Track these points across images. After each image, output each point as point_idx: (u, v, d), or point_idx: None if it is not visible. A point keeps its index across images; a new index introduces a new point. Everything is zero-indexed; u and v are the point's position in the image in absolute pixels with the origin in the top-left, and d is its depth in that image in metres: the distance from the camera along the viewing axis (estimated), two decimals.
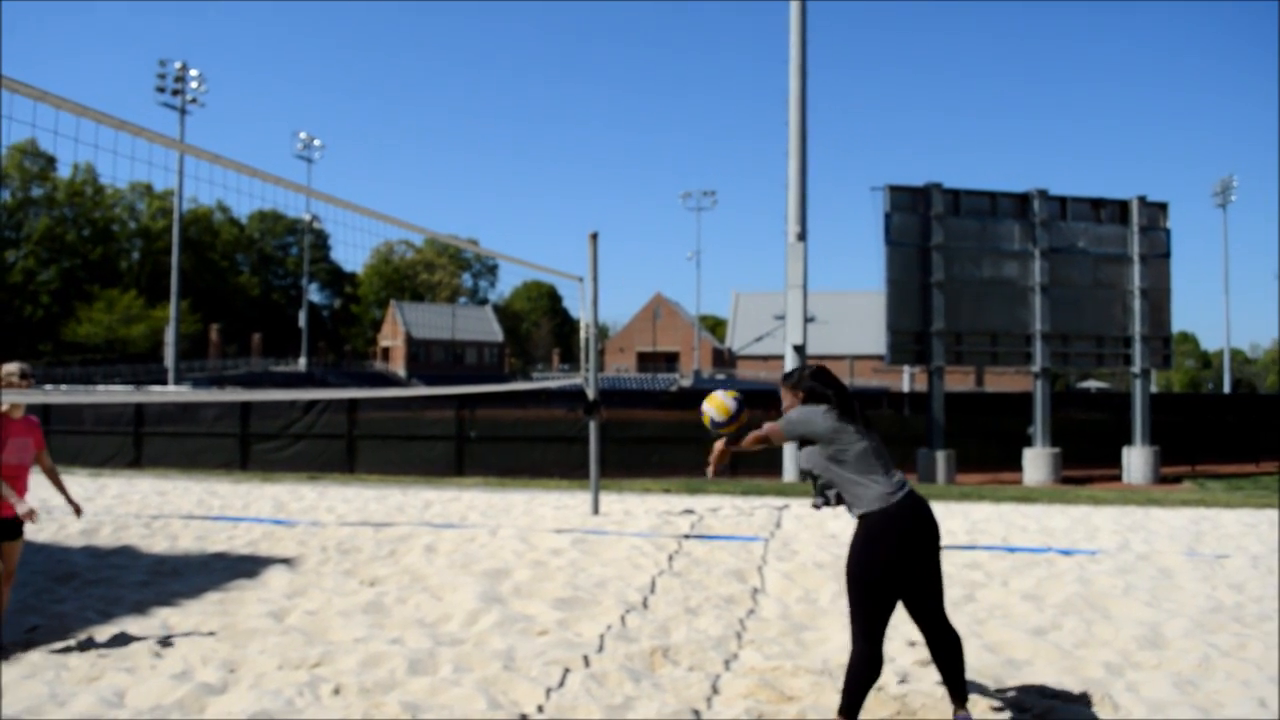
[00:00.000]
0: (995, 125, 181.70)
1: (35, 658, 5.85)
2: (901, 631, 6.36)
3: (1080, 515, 12.48)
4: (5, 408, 5.88)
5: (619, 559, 8.96)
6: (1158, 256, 21.27)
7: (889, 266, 20.13)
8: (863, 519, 4.41)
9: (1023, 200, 20.85)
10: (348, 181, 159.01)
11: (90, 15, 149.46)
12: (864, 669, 4.32)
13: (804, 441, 4.57)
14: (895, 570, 4.34)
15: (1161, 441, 21.34)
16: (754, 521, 11.55)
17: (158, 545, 10.07)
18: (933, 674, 5.46)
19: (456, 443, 20.11)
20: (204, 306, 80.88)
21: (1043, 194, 20.66)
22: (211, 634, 6.41)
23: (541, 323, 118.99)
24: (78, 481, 16.63)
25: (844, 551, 9.00)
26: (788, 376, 4.80)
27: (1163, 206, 21.57)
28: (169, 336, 45.42)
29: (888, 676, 5.34)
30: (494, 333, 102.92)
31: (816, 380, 4.65)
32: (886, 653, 5.76)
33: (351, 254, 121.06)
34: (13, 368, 5.91)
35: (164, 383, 44.78)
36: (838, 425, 4.46)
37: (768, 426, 4.66)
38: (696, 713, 4.87)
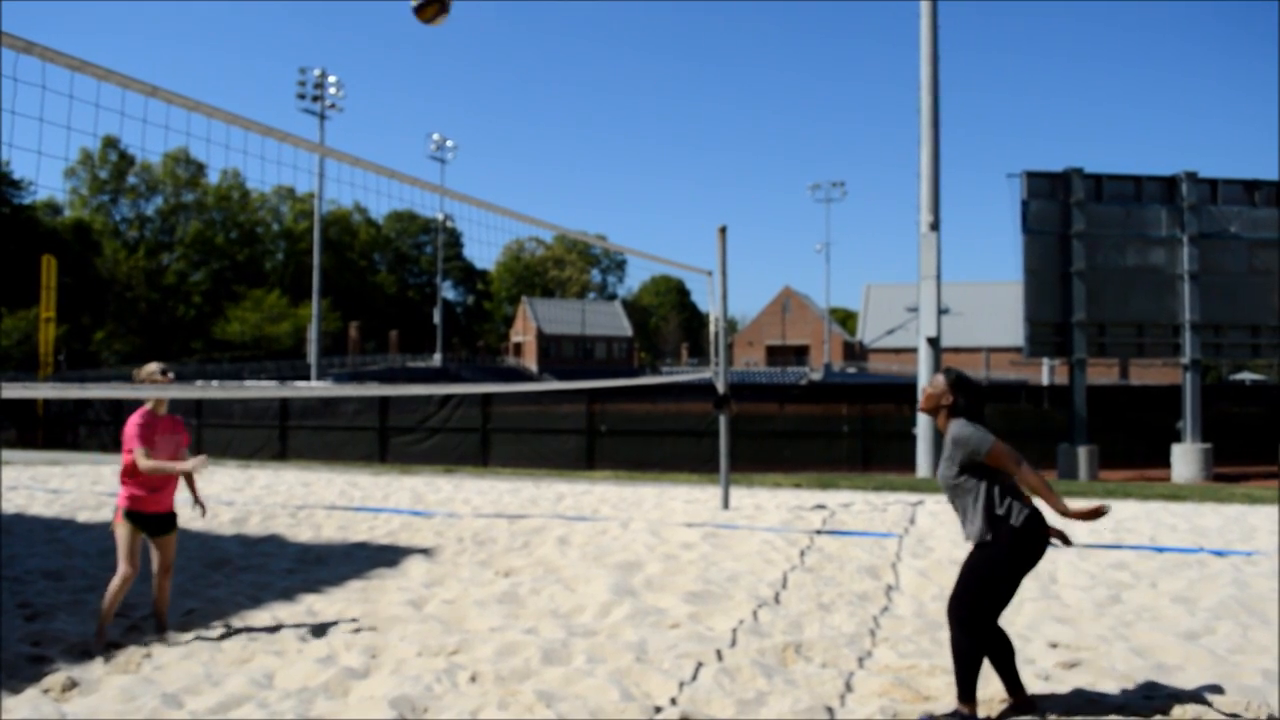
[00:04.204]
0: (1134, 110, 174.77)
1: (191, 640, 6.14)
2: (1043, 633, 6.19)
3: (1235, 514, 11.90)
4: (151, 405, 6.13)
5: (750, 554, 8.93)
6: None
7: (1026, 255, 19.56)
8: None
9: (1170, 184, 19.96)
10: (479, 181, 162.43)
11: (233, 22, 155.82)
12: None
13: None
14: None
15: None
16: (887, 517, 11.36)
17: (303, 534, 10.48)
18: (1075, 675, 5.30)
19: (587, 436, 20.36)
20: (344, 305, 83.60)
21: (1191, 176, 19.73)
22: (354, 620, 6.63)
23: (670, 317, 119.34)
24: (228, 473, 17.42)
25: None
26: (957, 381, 4.71)
27: None
28: (311, 334, 47.04)
29: (1029, 678, 5.19)
30: (623, 327, 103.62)
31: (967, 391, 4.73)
32: (1031, 653, 5.64)
33: (483, 251, 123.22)
34: (154, 367, 6.13)
35: (307, 378, 46.40)
36: None
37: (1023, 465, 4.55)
38: (830, 710, 4.80)
